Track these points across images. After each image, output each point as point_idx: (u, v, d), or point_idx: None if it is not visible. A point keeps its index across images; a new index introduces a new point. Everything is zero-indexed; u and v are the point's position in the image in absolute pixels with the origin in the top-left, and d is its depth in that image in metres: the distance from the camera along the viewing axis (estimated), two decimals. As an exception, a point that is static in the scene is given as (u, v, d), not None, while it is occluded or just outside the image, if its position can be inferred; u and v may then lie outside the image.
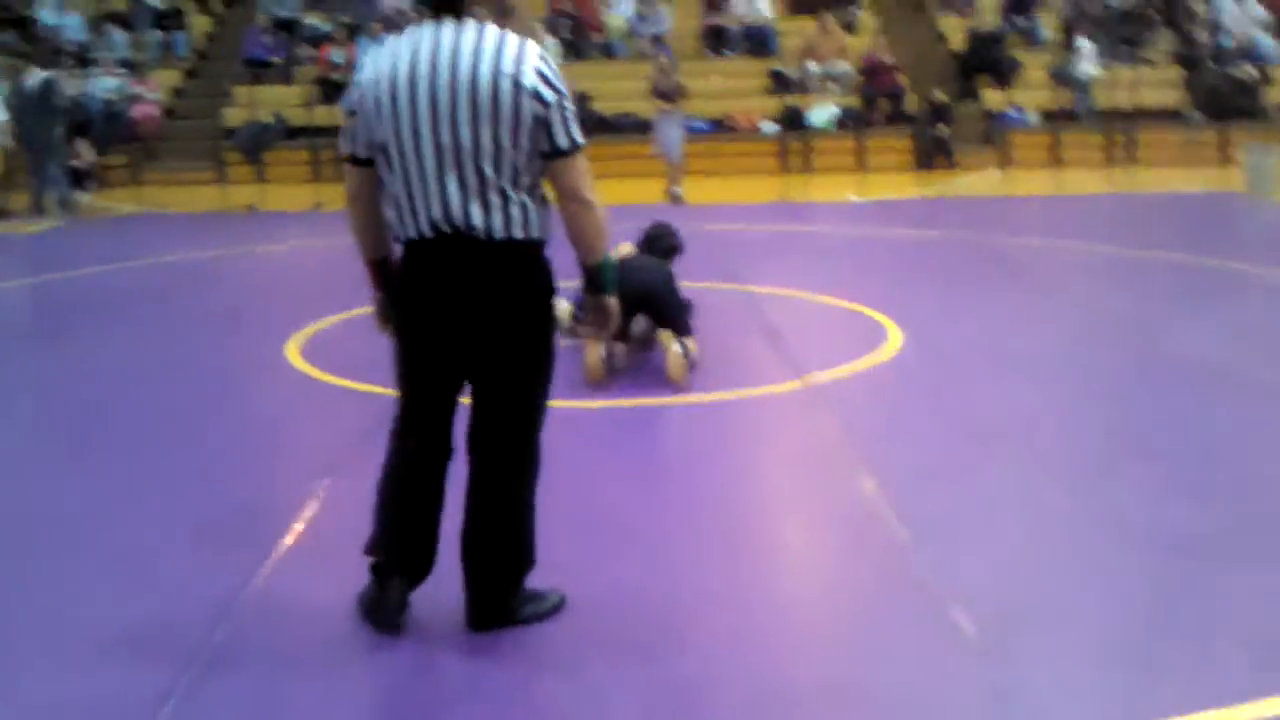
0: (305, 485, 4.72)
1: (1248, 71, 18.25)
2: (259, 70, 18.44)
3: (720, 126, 17.93)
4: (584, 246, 3.41)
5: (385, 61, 3.29)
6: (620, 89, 17.36)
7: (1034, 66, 18.74)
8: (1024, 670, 3.28)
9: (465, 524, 3.50)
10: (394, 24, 16.90)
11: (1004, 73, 18.47)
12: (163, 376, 6.74)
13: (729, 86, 18.49)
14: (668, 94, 14.05)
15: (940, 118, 17.43)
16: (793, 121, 17.80)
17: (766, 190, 15.65)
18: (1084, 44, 18.29)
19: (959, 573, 3.83)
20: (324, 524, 4.37)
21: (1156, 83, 18.54)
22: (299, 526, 4.34)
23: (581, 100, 17.66)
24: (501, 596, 3.52)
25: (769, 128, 17.87)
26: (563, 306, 6.92)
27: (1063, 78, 18.38)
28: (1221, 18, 19.28)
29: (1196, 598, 3.69)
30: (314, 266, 10.79)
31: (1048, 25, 19.63)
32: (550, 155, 3.28)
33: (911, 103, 18.04)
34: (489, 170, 3.24)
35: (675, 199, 14.02)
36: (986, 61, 18.66)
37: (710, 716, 3.14)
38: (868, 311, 7.81)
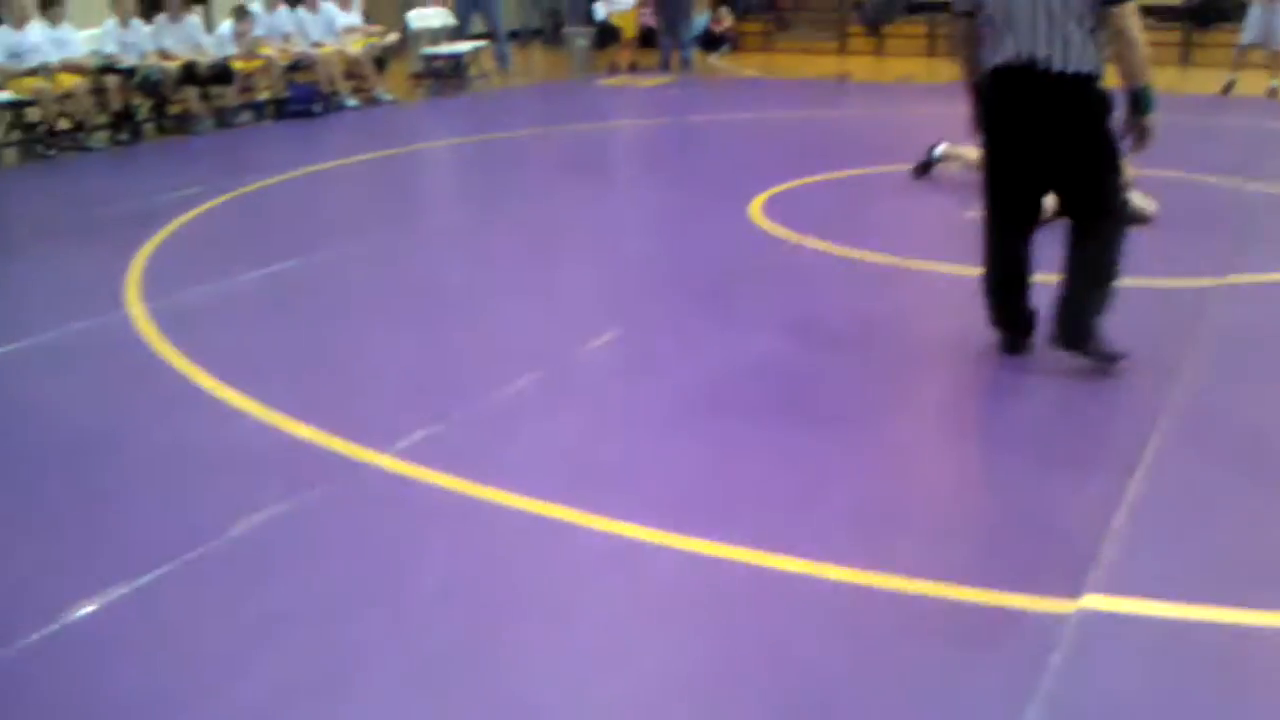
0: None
1: None
2: (899, -53, 18.95)
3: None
4: (1129, 74, 4.47)
5: None
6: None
7: None
8: None
9: (1067, 275, 4.68)
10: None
11: None
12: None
13: None
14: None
15: None
16: None
17: None
18: None
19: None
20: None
21: None
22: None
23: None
24: (1085, 324, 4.66)
25: None
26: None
27: None
28: None
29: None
30: (827, 132, 11.43)
31: None
32: (1107, 3, 4.39)
33: None
34: (1059, 14, 4.42)
35: (1273, 93, 12.83)
36: None
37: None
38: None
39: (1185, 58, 16.30)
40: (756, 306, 5.72)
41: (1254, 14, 13.03)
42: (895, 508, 3.65)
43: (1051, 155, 4.61)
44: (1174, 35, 16.30)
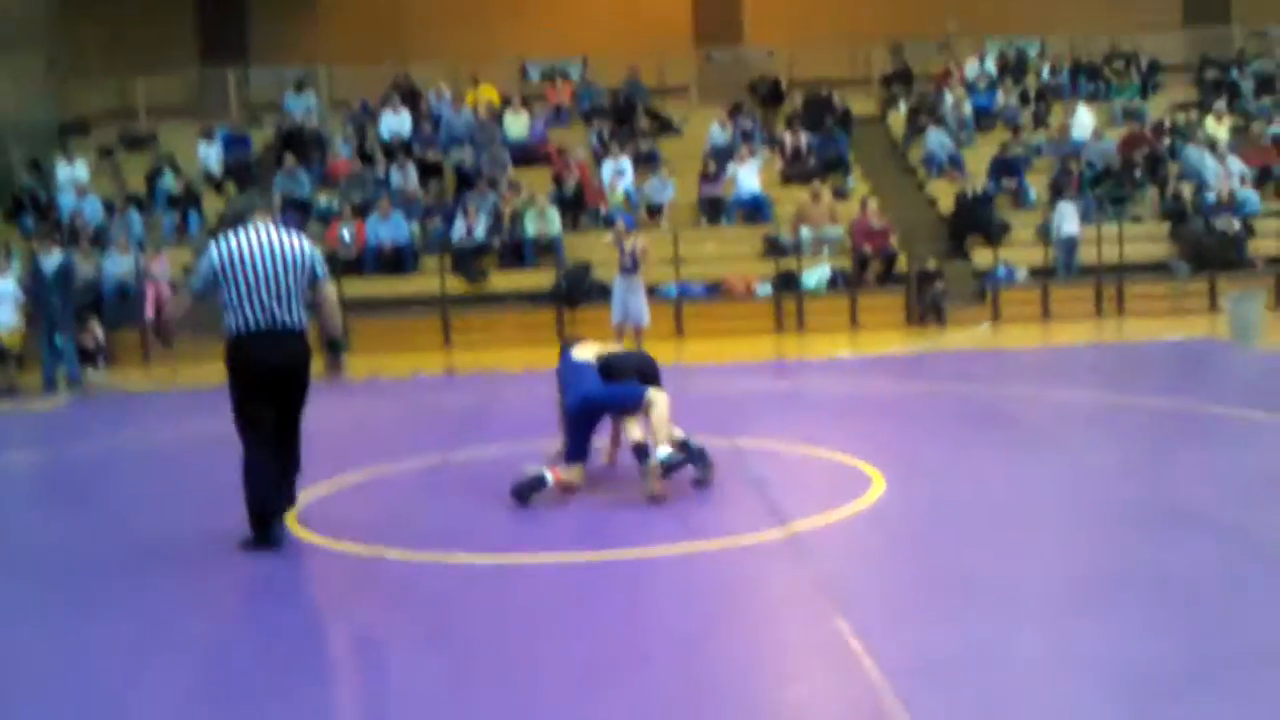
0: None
1: (1231, 224, 18.76)
2: (270, 247, 18.95)
3: (716, 290, 18.42)
4: (333, 325, 6.77)
5: (237, 244, 6.31)
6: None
7: (1023, 226, 19.29)
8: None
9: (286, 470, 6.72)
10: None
11: (993, 233, 18.97)
12: (138, 554, 6.72)
13: (725, 252, 19.05)
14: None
15: (932, 279, 17.91)
16: (787, 283, 18.26)
17: (761, 350, 15.99)
18: (1064, 205, 18.81)
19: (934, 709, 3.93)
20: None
21: (1143, 237, 19.07)
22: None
23: (586, 269, 18.15)
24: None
25: (764, 290, 18.34)
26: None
27: (1049, 236, 18.90)
28: (1204, 174, 19.91)
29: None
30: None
31: (1036, 185, 20.22)
32: (315, 281, 6.50)
33: (903, 263, 18.51)
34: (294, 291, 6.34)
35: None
36: (976, 222, 19.20)
37: None
38: (853, 462, 7.96)
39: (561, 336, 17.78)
40: None
41: (616, 295, 14.57)
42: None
43: (289, 387, 6.42)
44: (550, 317, 17.76)
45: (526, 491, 7.09)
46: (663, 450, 7.21)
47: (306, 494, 7.45)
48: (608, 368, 7.62)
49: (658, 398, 7.36)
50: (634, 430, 7.39)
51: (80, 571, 6.34)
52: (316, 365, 6.60)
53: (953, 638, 4.70)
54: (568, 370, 7.66)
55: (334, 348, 6.84)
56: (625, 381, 7.50)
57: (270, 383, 6.35)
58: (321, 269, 6.52)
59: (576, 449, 7.34)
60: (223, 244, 6.32)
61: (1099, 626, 4.77)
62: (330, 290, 6.62)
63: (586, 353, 7.84)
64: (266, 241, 6.32)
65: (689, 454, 7.42)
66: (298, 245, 6.42)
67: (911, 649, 4.58)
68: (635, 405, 7.38)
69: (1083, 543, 6.16)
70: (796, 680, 4.45)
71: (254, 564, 6.33)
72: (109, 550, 6.75)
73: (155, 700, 4.45)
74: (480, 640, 5.00)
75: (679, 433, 7.57)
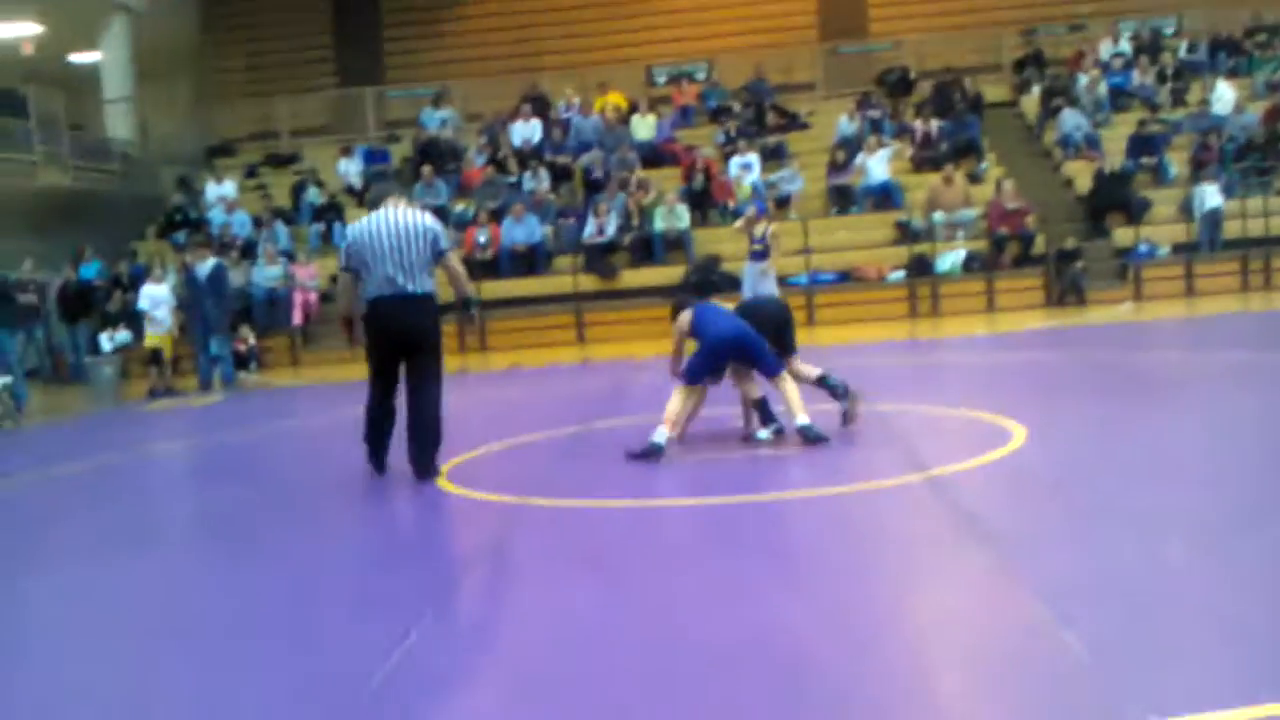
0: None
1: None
2: (408, 254, 19.48)
3: (847, 277, 18.34)
4: (461, 287, 7.42)
5: (368, 222, 7.14)
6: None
7: (1163, 202, 18.80)
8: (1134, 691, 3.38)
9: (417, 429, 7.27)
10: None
11: (1133, 210, 18.53)
12: (299, 512, 7.21)
13: (856, 239, 18.96)
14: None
15: (1071, 259, 17.57)
16: (920, 268, 18.09)
17: (896, 333, 15.87)
18: (1204, 184, 18.31)
19: (1089, 621, 3.92)
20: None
21: (1291, 210, 18.45)
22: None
23: (715, 260, 18.22)
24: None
25: (896, 276, 18.20)
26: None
27: (1191, 212, 18.39)
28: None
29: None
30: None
31: (1176, 162, 19.69)
32: (440, 254, 7.13)
33: (1040, 244, 18.19)
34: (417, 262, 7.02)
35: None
36: (1115, 200, 18.76)
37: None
38: (992, 418, 7.91)
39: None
40: None
41: (747, 281, 14.59)
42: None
43: (414, 347, 7.09)
44: (682, 309, 17.88)
45: (643, 457, 7.13)
46: (802, 418, 7.26)
47: (452, 461, 7.72)
48: (745, 310, 7.70)
49: (790, 376, 7.47)
50: (754, 389, 7.53)
51: (249, 530, 6.66)
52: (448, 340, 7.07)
53: (1097, 560, 4.67)
54: (704, 315, 7.50)
55: (465, 304, 7.56)
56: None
57: (395, 342, 7.13)
58: (446, 242, 7.22)
59: (694, 375, 7.39)
60: (357, 225, 7.22)
61: (1243, 545, 4.71)
62: (455, 260, 7.33)
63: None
64: (393, 220, 7.08)
65: (832, 391, 7.59)
66: (422, 221, 7.14)
67: (1057, 571, 4.55)
68: (768, 367, 7.42)
69: (1223, 478, 6.02)
70: (949, 598, 4.46)
71: (404, 513, 6.60)
72: (273, 510, 7.08)
73: (324, 619, 4.70)
74: (631, 566, 5.14)
75: (815, 371, 7.63)
